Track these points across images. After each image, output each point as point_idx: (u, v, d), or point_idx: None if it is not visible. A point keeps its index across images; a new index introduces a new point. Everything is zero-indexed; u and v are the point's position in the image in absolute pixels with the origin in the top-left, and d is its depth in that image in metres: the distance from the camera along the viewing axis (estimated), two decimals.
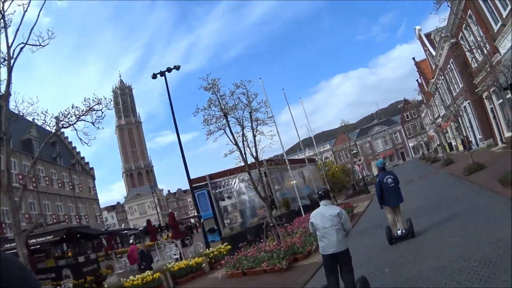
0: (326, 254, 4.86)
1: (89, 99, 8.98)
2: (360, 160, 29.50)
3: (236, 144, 11.34)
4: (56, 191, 35.80)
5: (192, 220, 54.00)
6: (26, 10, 8.59)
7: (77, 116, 8.90)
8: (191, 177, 18.81)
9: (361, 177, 31.52)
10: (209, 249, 12.93)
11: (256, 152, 11.69)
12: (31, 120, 11.08)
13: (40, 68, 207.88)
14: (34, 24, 8.53)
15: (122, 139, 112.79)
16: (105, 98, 9.24)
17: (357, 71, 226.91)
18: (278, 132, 18.57)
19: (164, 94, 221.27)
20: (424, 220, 8.98)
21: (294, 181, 22.86)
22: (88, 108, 8.96)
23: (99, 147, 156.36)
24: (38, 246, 15.77)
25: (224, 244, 12.74)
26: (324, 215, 4.93)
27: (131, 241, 23.76)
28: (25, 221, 28.27)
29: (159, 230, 47.02)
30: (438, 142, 45.57)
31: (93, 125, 9.16)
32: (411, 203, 11.57)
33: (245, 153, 11.50)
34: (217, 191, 22.67)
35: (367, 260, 7.24)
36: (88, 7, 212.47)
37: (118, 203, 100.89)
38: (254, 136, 11.60)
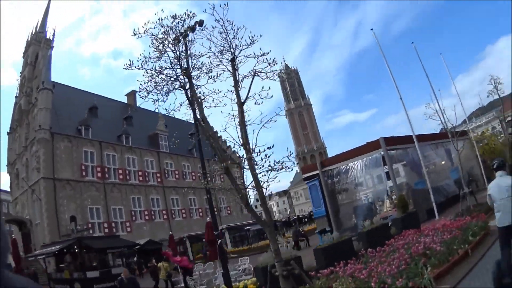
0: (502, 226, 4.86)
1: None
2: None
3: (197, 123, 7.42)
4: (188, 185, 35.96)
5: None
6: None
7: None
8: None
9: None
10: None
11: (245, 131, 6.45)
12: None
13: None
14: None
15: (292, 123, 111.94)
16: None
17: None
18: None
19: (339, 73, 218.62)
20: None
21: (426, 166, 16.65)
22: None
23: (276, 134, 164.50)
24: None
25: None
26: (500, 186, 4.92)
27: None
28: (145, 219, 28.74)
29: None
30: None
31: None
32: None
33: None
34: (332, 181, 18.18)
35: None
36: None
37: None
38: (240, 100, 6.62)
